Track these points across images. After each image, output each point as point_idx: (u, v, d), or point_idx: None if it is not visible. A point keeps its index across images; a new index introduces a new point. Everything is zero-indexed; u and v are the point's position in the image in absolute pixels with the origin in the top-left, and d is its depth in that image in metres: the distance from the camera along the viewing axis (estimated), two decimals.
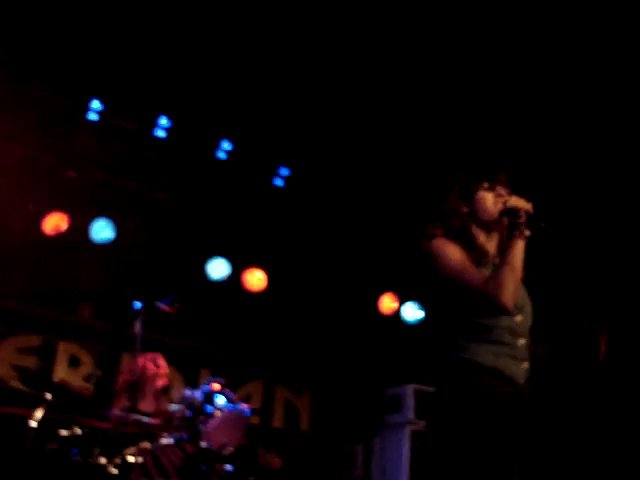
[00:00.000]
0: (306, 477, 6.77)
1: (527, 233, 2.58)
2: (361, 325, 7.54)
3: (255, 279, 7.10)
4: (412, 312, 7.84)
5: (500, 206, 2.65)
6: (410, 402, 6.34)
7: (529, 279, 2.71)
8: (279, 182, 6.87)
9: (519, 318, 2.64)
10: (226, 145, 6.57)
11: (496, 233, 2.74)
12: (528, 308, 2.71)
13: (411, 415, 6.28)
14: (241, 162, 6.71)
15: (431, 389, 6.70)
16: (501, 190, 2.70)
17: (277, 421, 7.29)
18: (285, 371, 7.34)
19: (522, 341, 2.63)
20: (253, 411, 6.23)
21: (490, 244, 2.74)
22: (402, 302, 7.82)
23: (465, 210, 2.72)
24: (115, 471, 4.11)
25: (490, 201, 2.69)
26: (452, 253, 2.62)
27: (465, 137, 5.89)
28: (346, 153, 6.49)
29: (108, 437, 4.42)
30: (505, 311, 2.51)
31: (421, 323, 7.83)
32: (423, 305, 7.77)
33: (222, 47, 5.48)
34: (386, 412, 6.53)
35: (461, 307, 2.61)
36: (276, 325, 7.26)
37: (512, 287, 2.49)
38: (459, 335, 2.61)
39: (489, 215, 2.69)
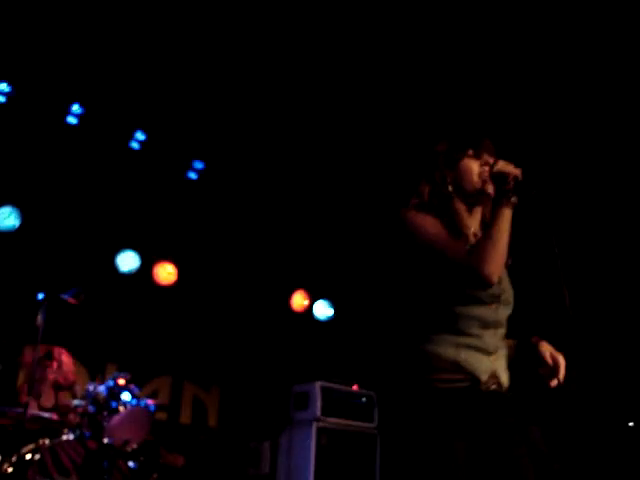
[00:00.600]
0: (211, 474, 6.73)
1: (514, 200, 2.31)
2: (271, 321, 7.54)
3: (165, 273, 7.01)
4: (323, 310, 7.92)
5: (486, 175, 2.40)
6: (317, 399, 6.36)
7: (513, 259, 2.43)
8: (193, 175, 6.78)
9: (493, 307, 2.36)
10: (140, 135, 6.43)
11: (480, 208, 2.49)
12: (507, 296, 2.43)
13: (318, 412, 6.31)
14: (155, 154, 6.58)
15: (338, 386, 6.80)
16: (488, 158, 2.44)
17: (184, 417, 7.21)
18: (194, 367, 7.26)
19: (493, 332, 2.36)
20: (160, 407, 6.18)
21: (472, 220, 2.48)
22: (313, 299, 7.88)
23: (448, 181, 2.45)
24: (10, 469, 3.97)
25: (475, 170, 2.43)
26: (430, 225, 2.35)
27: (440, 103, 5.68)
28: (261, 150, 6.46)
29: (6, 434, 4.29)
30: (488, 285, 2.24)
31: (332, 320, 7.91)
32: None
33: (137, 35, 5.35)
34: (293, 409, 6.54)
35: (427, 289, 2.36)
36: (186, 320, 7.18)
37: (497, 258, 2.22)
38: (419, 323, 2.37)
39: (473, 186, 2.42)
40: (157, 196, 6.79)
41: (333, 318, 7.95)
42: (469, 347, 2.31)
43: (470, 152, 2.45)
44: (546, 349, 2.41)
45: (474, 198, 2.45)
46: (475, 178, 2.42)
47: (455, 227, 2.41)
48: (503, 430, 2.28)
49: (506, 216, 2.29)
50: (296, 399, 6.54)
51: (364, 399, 6.84)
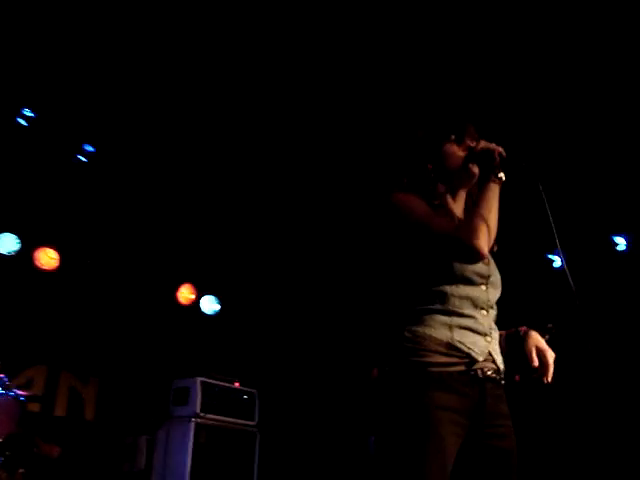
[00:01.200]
0: (86, 469, 6.51)
1: (502, 175, 2.28)
2: (156, 314, 7.39)
3: (47, 258, 6.74)
4: (209, 304, 7.83)
5: (470, 157, 2.37)
6: (197, 395, 6.28)
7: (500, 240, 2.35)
8: (82, 159, 6.53)
9: (483, 288, 2.31)
10: (28, 112, 6.14)
11: (463, 193, 2.45)
12: (495, 279, 2.39)
13: (197, 408, 6.22)
14: (43, 133, 6.30)
15: (219, 382, 6.74)
16: (470, 143, 2.39)
17: (59, 409, 6.95)
18: (72, 357, 7.02)
19: (485, 313, 2.30)
20: (32, 398, 5.92)
21: (456, 205, 2.44)
22: (200, 294, 7.77)
23: (430, 167, 2.41)
24: None
25: (458, 154, 2.40)
26: (417, 204, 2.30)
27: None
28: (154, 137, 6.30)
29: None
30: (479, 257, 2.18)
31: (218, 315, 7.84)
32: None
33: (27, 9, 5.10)
34: (172, 404, 6.42)
35: (416, 269, 2.29)
36: (66, 308, 6.94)
37: (487, 231, 2.16)
38: (410, 305, 2.27)
39: (456, 169, 2.38)
40: (43, 178, 6.51)
41: (219, 313, 7.87)
42: (463, 327, 2.22)
43: (452, 137, 2.41)
44: (533, 343, 2.34)
45: (458, 182, 2.42)
46: (458, 161, 2.38)
47: (441, 211, 2.36)
48: (496, 421, 2.21)
49: (494, 191, 2.27)
50: (176, 394, 6.43)
51: (245, 396, 6.80)
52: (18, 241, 6.52)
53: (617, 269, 6.89)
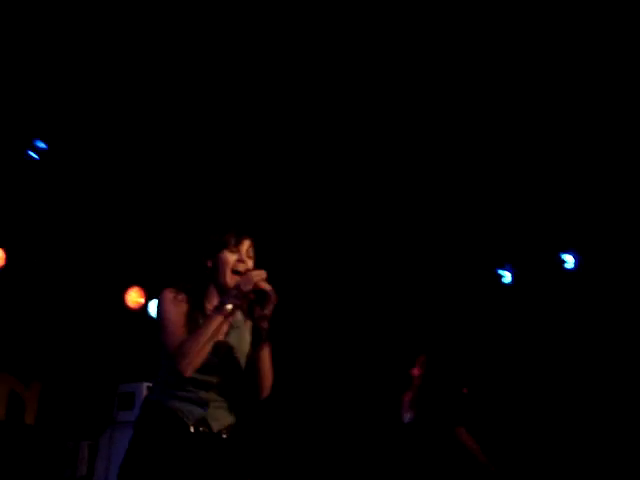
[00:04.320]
0: (25, 475, 6.34)
1: (229, 308, 2.60)
2: (103, 317, 7.25)
3: None
4: None
5: (240, 270, 2.69)
6: (142, 400, 6.17)
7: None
8: (33, 155, 6.38)
9: (212, 379, 2.68)
10: None
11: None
12: (232, 369, 2.74)
13: None
14: None
15: None
16: (243, 255, 2.74)
17: None
18: (14, 360, 6.84)
19: (211, 394, 2.69)
20: None
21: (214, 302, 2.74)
22: (149, 298, 7.65)
23: (209, 266, 2.74)
24: None
25: (231, 263, 2.72)
26: (171, 309, 2.66)
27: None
28: (109, 138, 6.20)
29: None
30: (182, 376, 2.58)
31: None
32: None
33: None
34: (117, 409, 6.30)
35: (165, 357, 2.68)
36: (10, 308, 6.76)
37: (195, 356, 2.54)
38: (161, 375, 2.75)
39: (225, 278, 2.71)
40: None
41: None
42: (187, 400, 2.66)
43: (231, 246, 2.73)
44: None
45: (226, 288, 2.70)
46: (228, 272, 2.71)
47: (201, 308, 2.71)
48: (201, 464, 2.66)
49: (214, 321, 2.58)
50: (121, 399, 6.31)
51: None
52: None
53: (566, 287, 7.03)
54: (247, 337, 2.80)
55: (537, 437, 6.82)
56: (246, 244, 2.76)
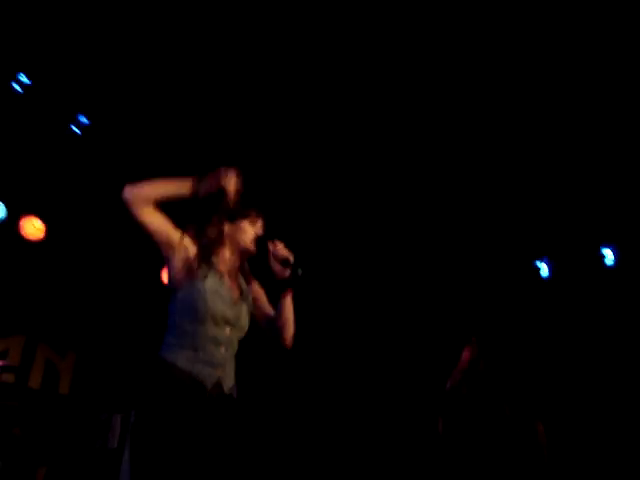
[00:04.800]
0: (56, 444, 6.43)
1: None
2: (139, 290, 7.32)
3: (33, 228, 6.65)
4: None
5: (251, 237, 3.05)
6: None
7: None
8: (76, 130, 6.43)
9: (226, 331, 2.89)
10: (23, 78, 6.02)
11: (237, 258, 3.07)
12: (242, 322, 2.98)
13: None
14: (37, 102, 6.19)
15: None
16: (259, 229, 3.09)
17: (34, 381, 6.88)
18: (51, 329, 6.94)
19: (223, 351, 2.86)
20: (6, 368, 5.84)
21: (227, 261, 3.03)
22: None
23: (226, 230, 3.03)
24: None
25: (251, 232, 3.06)
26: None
27: None
28: (151, 110, 6.21)
29: None
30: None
31: None
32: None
33: None
34: None
35: (176, 310, 2.86)
36: (50, 279, 6.85)
37: (148, 188, 2.86)
38: (170, 335, 2.86)
39: (245, 242, 3.05)
40: (33, 146, 6.41)
41: None
42: (200, 361, 2.78)
43: (250, 217, 3.08)
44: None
45: (242, 251, 3.06)
46: (247, 238, 3.04)
47: (208, 260, 2.93)
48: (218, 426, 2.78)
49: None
50: None
51: None
52: (4, 209, 6.43)
53: (605, 282, 6.93)
54: (251, 302, 3.08)
55: (575, 431, 6.72)
56: (261, 221, 3.11)
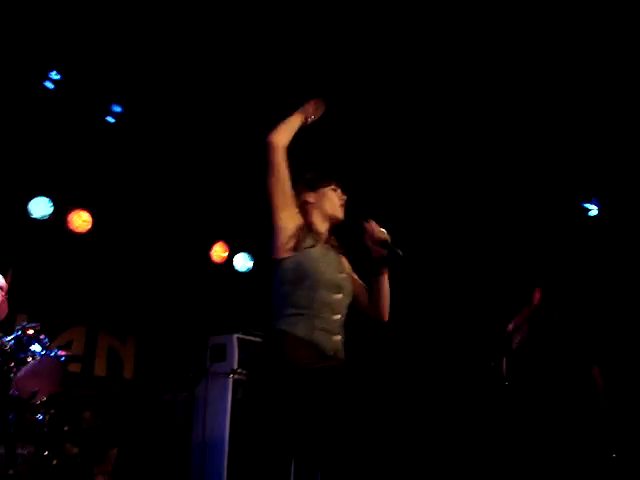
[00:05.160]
0: (126, 426, 6.62)
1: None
2: (190, 272, 7.42)
3: (80, 220, 6.78)
4: (243, 262, 7.85)
5: (337, 204, 3.12)
6: (234, 351, 6.30)
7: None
8: (110, 119, 6.50)
9: (339, 296, 2.92)
10: (54, 75, 6.10)
11: (328, 224, 3.12)
12: (349, 289, 3.01)
13: (234, 364, 6.26)
14: (70, 95, 6.27)
15: (255, 338, 6.72)
16: (342, 196, 3.14)
17: (99, 369, 7.07)
18: (109, 317, 7.10)
19: (338, 317, 2.90)
20: (73, 358, 6.00)
21: (321, 229, 3.09)
22: (233, 251, 7.79)
23: (310, 200, 3.09)
24: None
25: (337, 200, 3.12)
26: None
27: None
28: (181, 93, 6.23)
29: None
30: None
31: (251, 272, 7.85)
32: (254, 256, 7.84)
33: None
34: (210, 361, 6.46)
35: (287, 278, 2.89)
36: (101, 270, 7.00)
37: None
38: (284, 305, 2.86)
39: (334, 210, 3.11)
40: (72, 140, 6.51)
41: (253, 270, 7.88)
42: (320, 329, 2.81)
43: (332, 186, 3.14)
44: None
45: (330, 219, 3.12)
46: (334, 205, 3.12)
47: (310, 229, 3.02)
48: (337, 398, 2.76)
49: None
50: (213, 351, 6.46)
51: None
52: (51, 205, 6.56)
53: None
54: (349, 269, 3.16)
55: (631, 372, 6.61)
56: (340, 190, 3.17)
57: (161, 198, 7.16)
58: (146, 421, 6.68)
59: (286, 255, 2.90)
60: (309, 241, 2.94)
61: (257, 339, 6.57)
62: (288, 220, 2.93)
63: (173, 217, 7.29)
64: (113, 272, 7.07)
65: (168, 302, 7.25)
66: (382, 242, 3.01)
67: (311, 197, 3.09)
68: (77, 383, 6.37)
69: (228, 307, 7.39)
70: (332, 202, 3.11)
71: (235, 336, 6.39)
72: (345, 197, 3.15)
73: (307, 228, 3.00)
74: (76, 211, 6.77)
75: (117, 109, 6.45)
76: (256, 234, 7.72)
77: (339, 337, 2.87)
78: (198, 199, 7.28)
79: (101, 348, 7.12)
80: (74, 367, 6.45)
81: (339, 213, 3.11)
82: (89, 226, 6.82)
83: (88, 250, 6.90)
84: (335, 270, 2.97)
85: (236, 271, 7.83)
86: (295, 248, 2.90)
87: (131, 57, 5.83)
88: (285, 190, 2.92)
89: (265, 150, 2.90)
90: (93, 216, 6.85)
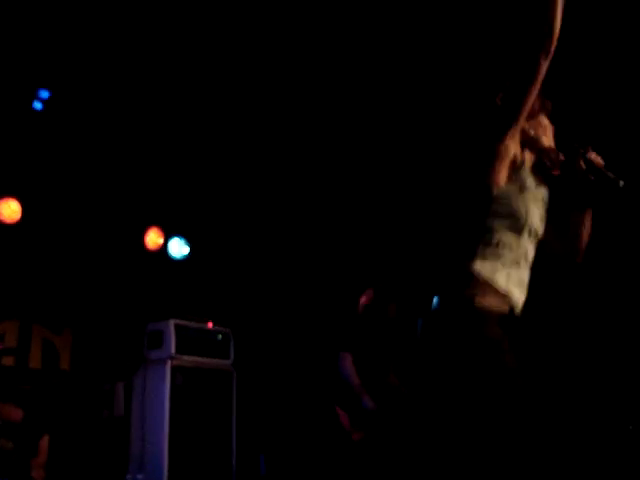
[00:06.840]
0: (64, 418, 6.53)
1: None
2: (124, 260, 7.33)
3: (9, 210, 6.61)
4: (178, 248, 7.77)
5: (552, 133, 2.65)
6: (171, 337, 6.29)
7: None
8: (38, 105, 6.35)
9: (533, 247, 2.53)
10: None
11: (536, 158, 2.60)
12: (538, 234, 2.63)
13: (172, 350, 6.24)
14: None
15: (192, 324, 6.70)
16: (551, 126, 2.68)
17: (34, 362, 6.93)
18: (43, 309, 6.97)
19: (528, 270, 2.51)
20: (7, 351, 5.89)
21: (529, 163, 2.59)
22: (168, 237, 7.71)
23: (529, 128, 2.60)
24: None
25: (549, 127, 2.64)
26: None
27: None
28: (110, 75, 6.11)
29: None
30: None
31: (186, 259, 7.79)
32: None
33: None
34: (147, 348, 6.43)
35: (493, 212, 2.43)
36: (32, 261, 6.85)
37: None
38: (483, 242, 2.40)
39: (547, 140, 2.62)
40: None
41: (188, 255, 7.82)
42: (515, 280, 2.42)
43: (548, 109, 2.64)
44: None
45: (541, 152, 2.59)
46: (548, 134, 2.63)
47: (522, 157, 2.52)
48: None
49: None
50: (150, 338, 6.44)
51: (220, 336, 6.83)
52: None
53: None
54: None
55: None
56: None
57: (92, 185, 7.04)
58: (83, 412, 6.60)
59: (496, 182, 2.46)
60: (525, 172, 2.53)
61: (194, 324, 6.57)
62: (514, 134, 2.50)
63: (104, 203, 7.17)
64: (45, 262, 6.92)
65: (103, 291, 7.15)
66: (598, 171, 2.55)
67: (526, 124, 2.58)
68: (11, 376, 6.24)
69: (165, 294, 7.33)
70: (546, 130, 2.63)
71: (172, 322, 6.37)
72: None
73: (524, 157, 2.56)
74: (5, 200, 6.61)
75: (45, 94, 6.31)
76: (191, 219, 7.71)
77: (525, 295, 2.49)
78: (130, 184, 7.17)
79: (36, 340, 6.99)
80: (7, 360, 6.33)
81: (553, 144, 2.65)
82: (19, 216, 6.67)
83: (18, 240, 6.74)
84: (540, 214, 2.57)
85: (171, 257, 7.75)
86: (509, 175, 2.46)
87: (57, 40, 5.70)
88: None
89: None
90: (22, 205, 6.70)
